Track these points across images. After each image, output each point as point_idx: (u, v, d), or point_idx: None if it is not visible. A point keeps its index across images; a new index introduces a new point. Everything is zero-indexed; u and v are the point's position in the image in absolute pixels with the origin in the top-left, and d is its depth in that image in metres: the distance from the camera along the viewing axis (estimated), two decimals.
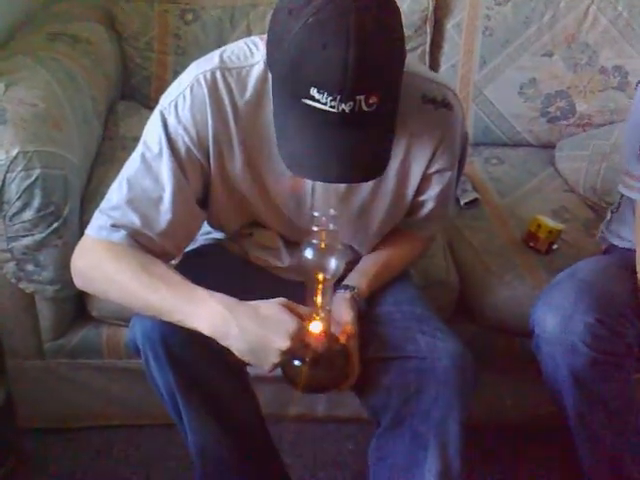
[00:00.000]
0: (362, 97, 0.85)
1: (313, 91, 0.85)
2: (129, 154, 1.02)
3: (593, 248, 1.46)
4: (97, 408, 1.48)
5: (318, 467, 1.46)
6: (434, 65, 1.82)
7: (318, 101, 0.85)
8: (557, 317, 1.10)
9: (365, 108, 0.86)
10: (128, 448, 1.47)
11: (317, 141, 0.89)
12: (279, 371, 0.99)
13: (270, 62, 0.92)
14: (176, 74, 1.03)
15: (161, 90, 1.03)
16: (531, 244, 1.47)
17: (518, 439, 1.51)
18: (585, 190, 1.66)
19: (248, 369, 1.09)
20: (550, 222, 1.47)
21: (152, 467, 1.44)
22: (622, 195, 1.26)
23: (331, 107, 0.85)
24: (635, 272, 1.17)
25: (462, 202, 1.60)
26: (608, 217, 1.38)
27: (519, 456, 1.51)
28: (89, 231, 1.02)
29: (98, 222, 1.01)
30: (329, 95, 0.84)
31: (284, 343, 0.93)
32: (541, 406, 1.37)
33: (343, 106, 0.85)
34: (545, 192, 1.69)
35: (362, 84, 0.84)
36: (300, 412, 1.49)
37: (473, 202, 1.61)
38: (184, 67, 1.02)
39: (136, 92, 1.76)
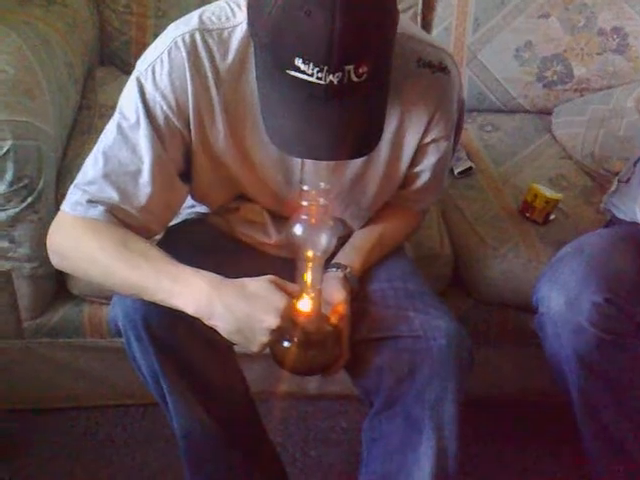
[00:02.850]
0: (351, 67, 0.79)
1: (298, 61, 0.79)
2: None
3: (592, 218, 1.42)
4: (81, 389, 1.44)
5: (309, 445, 1.44)
6: (426, 27, 1.75)
7: (304, 72, 0.79)
8: (563, 296, 1.05)
9: (355, 79, 0.80)
10: (114, 429, 1.44)
11: (304, 115, 0.83)
12: (268, 348, 0.96)
13: (252, 30, 0.86)
14: (156, 38, 0.97)
15: (141, 55, 0.96)
16: (527, 214, 1.43)
17: (515, 414, 1.49)
18: (583, 157, 1.61)
19: (235, 348, 1.04)
20: (547, 191, 1.43)
21: (138, 448, 1.41)
22: (634, 167, 1.20)
23: (318, 78, 0.79)
24: None
25: (456, 171, 1.55)
26: (614, 187, 1.33)
27: (515, 432, 1.49)
28: (64, 207, 0.97)
29: (74, 198, 0.96)
30: (315, 66, 0.78)
31: (273, 321, 0.89)
32: (538, 380, 1.35)
33: (331, 77, 0.79)
34: (541, 160, 1.65)
35: (351, 53, 0.78)
36: (291, 389, 1.46)
37: (467, 171, 1.57)
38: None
39: (115, 57, 1.70)
